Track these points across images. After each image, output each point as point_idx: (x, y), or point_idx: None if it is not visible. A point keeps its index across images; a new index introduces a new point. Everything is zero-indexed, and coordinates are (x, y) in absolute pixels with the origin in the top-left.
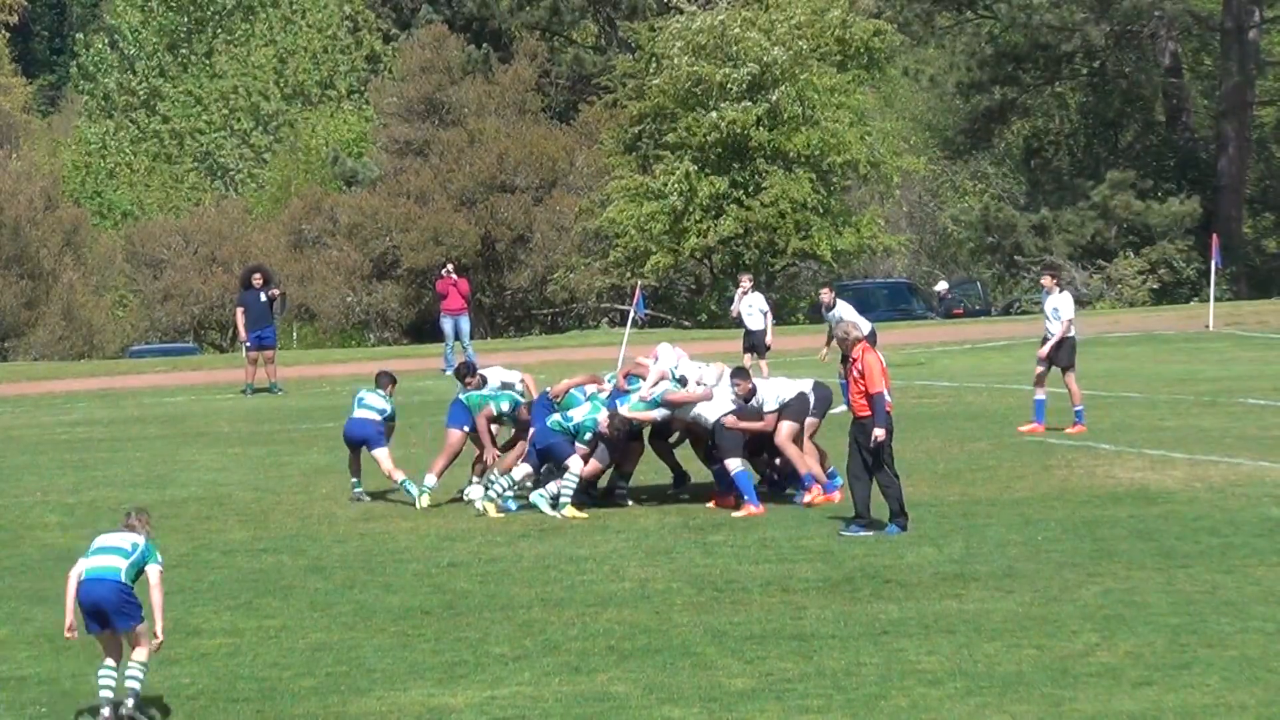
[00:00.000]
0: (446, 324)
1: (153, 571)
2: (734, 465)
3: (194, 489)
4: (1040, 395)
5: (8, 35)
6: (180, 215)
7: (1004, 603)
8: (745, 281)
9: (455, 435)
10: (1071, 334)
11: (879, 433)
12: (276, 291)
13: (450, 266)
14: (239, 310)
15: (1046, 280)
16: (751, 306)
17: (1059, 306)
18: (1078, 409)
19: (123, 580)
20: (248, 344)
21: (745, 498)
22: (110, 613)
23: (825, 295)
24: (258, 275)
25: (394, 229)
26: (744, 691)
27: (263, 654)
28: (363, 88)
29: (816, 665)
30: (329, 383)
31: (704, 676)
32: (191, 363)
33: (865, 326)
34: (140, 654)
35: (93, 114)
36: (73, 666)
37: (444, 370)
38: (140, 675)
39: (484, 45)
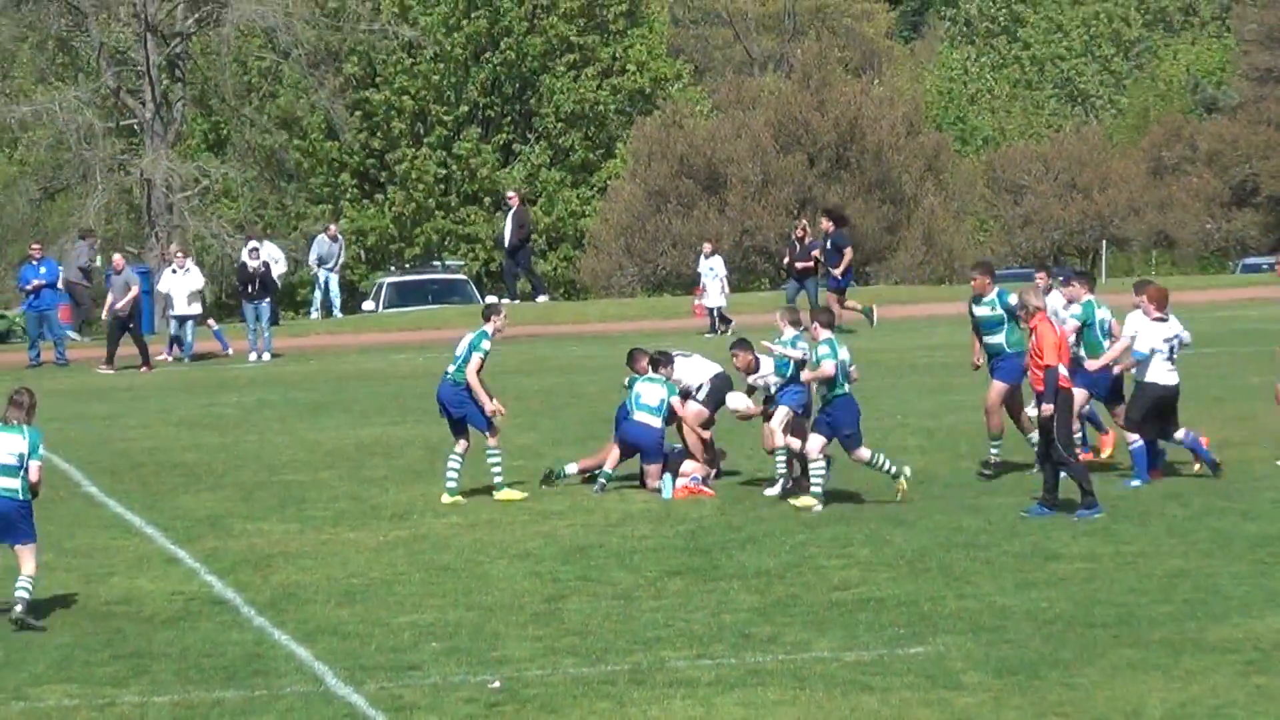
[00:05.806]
0: None
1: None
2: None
3: None
4: None
5: None
6: (1040, 141)
7: None
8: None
9: None
10: None
11: (1046, 408)
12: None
13: None
14: None
15: None
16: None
17: None
18: None
19: None
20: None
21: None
22: None
23: None
24: None
25: (1254, 156)
26: None
27: (1120, 579)
28: (1224, 14)
29: None
30: (1188, 309)
31: None
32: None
33: None
34: None
35: (954, 40)
36: (931, 589)
37: None
38: None
39: None
